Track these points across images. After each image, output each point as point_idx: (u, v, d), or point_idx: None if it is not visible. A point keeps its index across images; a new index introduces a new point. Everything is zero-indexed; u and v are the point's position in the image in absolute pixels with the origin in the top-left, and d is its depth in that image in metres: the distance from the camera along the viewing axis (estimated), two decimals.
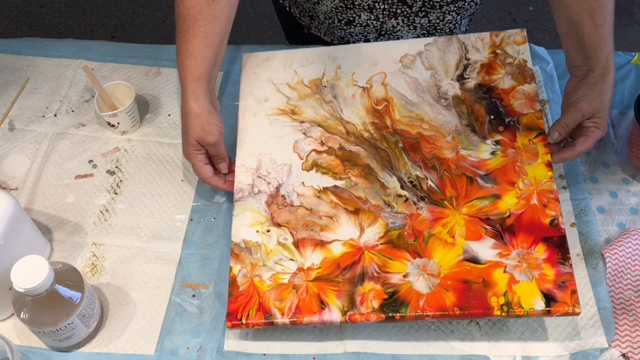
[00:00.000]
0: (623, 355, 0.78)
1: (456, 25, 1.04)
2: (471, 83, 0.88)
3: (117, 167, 0.94)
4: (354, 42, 1.08)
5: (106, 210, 0.90)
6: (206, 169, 0.83)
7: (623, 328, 0.79)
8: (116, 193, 0.91)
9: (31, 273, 0.68)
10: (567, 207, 0.89)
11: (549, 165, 0.80)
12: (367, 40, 1.06)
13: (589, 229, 0.87)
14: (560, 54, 1.06)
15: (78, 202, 0.90)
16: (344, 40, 1.09)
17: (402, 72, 0.90)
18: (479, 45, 0.90)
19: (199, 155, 0.82)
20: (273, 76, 0.91)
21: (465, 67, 0.89)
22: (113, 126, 0.95)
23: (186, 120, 0.81)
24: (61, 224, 0.88)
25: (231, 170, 0.86)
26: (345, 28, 1.04)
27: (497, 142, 0.83)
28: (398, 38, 1.04)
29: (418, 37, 1.03)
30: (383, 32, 1.04)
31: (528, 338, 0.79)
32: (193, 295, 0.82)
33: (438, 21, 1.01)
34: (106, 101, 0.95)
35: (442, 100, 0.87)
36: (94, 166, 0.94)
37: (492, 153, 0.82)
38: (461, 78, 0.88)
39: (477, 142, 0.83)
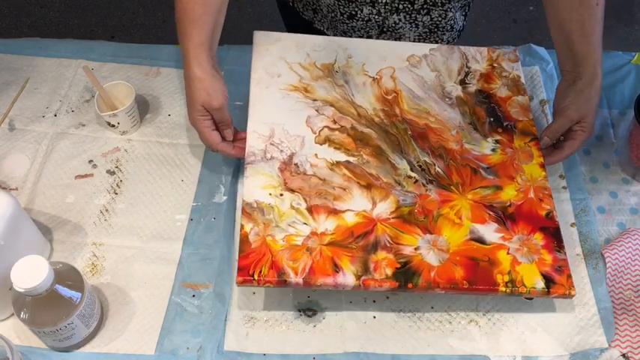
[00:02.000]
0: (623, 355, 0.78)
1: (455, 21, 1.04)
2: (472, 88, 0.94)
3: (117, 167, 0.94)
4: (356, 37, 1.08)
5: (106, 210, 0.90)
6: (214, 135, 0.84)
7: (623, 328, 0.79)
8: (116, 193, 0.91)
9: (31, 273, 0.68)
10: (567, 207, 0.89)
11: (543, 166, 0.86)
12: (369, 37, 1.07)
13: (589, 229, 0.87)
14: None
15: (78, 202, 0.90)
16: (346, 35, 1.09)
17: (410, 70, 0.95)
18: (478, 57, 0.97)
19: (206, 121, 0.83)
20: (286, 54, 0.94)
21: (467, 74, 0.95)
22: (113, 126, 0.95)
23: (191, 86, 0.81)
24: (61, 224, 0.88)
25: (238, 138, 0.87)
26: (347, 22, 1.04)
27: (496, 141, 0.88)
28: (400, 36, 1.04)
29: (420, 35, 1.04)
30: (385, 29, 1.04)
31: (528, 338, 0.79)
32: (193, 295, 0.82)
33: (440, 19, 1.01)
34: (106, 101, 0.95)
35: (447, 99, 0.92)
36: (94, 166, 0.94)
37: (493, 150, 0.88)
38: (463, 82, 0.94)
39: (479, 139, 0.88)
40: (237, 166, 0.93)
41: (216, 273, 0.83)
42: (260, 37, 0.96)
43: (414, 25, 1.02)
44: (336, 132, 0.87)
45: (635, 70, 1.05)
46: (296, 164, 0.83)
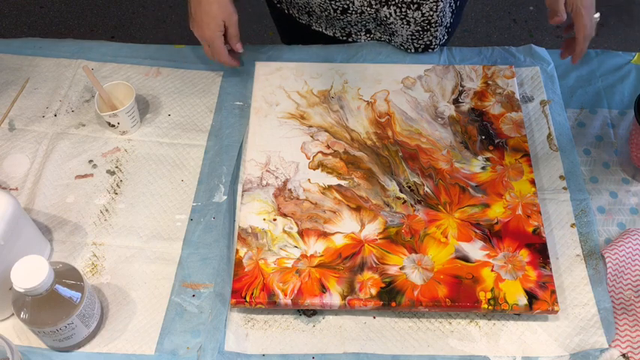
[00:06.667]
0: (623, 355, 0.78)
1: (445, 14, 1.04)
2: (465, 107, 0.96)
3: (117, 167, 0.94)
4: (355, 33, 1.09)
5: (106, 210, 0.90)
6: (225, 50, 0.96)
7: (623, 328, 0.79)
8: (116, 193, 0.91)
9: (31, 273, 0.68)
10: (567, 207, 0.89)
11: (532, 182, 0.88)
12: (368, 31, 1.08)
13: (589, 229, 0.87)
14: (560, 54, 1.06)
15: (78, 202, 0.90)
16: (345, 32, 1.09)
17: (404, 92, 0.98)
18: (473, 75, 1.00)
19: (222, 36, 0.95)
20: (285, 83, 0.99)
21: (460, 93, 0.98)
22: (113, 126, 0.95)
23: (210, 6, 0.92)
24: (61, 224, 0.88)
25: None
26: (341, 17, 1.04)
27: (487, 159, 0.91)
28: (393, 32, 1.04)
29: (413, 34, 1.04)
30: (379, 22, 1.04)
31: (528, 338, 0.79)
32: (193, 295, 0.82)
33: (431, 13, 1.01)
34: (106, 101, 0.95)
35: (439, 119, 0.95)
36: (94, 166, 0.94)
37: (483, 168, 0.90)
38: (456, 101, 0.97)
39: (470, 158, 0.91)
40: (237, 166, 0.93)
41: (216, 273, 0.83)
42: (261, 67, 1.00)
43: (405, 22, 1.02)
44: (329, 157, 0.91)
45: (635, 70, 1.05)
46: (290, 190, 0.87)
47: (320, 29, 1.11)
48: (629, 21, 2.25)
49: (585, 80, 1.04)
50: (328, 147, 0.91)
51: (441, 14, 1.02)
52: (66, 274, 0.73)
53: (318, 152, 0.91)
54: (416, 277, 0.80)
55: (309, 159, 0.90)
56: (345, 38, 1.10)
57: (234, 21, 0.94)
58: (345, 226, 0.84)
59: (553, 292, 0.79)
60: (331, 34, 1.11)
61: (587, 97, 1.02)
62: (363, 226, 0.84)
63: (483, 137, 0.93)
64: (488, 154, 0.91)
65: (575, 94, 1.02)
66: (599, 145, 0.97)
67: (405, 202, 0.86)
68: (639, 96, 0.89)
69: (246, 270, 0.80)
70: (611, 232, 0.88)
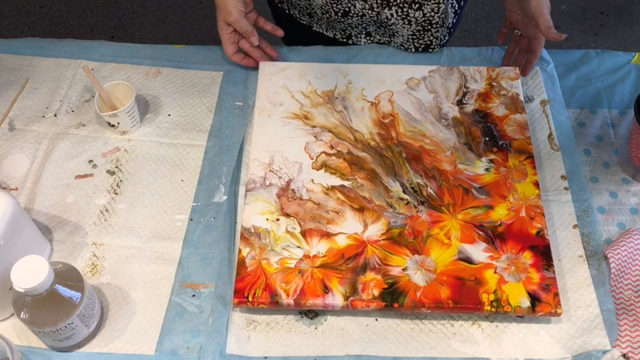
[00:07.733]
0: (624, 355, 0.78)
1: (447, 15, 1.04)
2: (469, 108, 0.96)
3: (117, 167, 0.94)
4: (355, 35, 1.09)
5: (106, 210, 0.89)
6: (230, 48, 1.01)
7: (623, 328, 0.79)
8: (116, 193, 0.91)
9: (31, 273, 0.68)
10: (570, 208, 0.89)
11: (536, 184, 0.88)
12: (368, 33, 1.08)
13: (592, 229, 0.87)
14: (560, 54, 1.06)
15: (78, 202, 0.90)
16: (345, 34, 1.09)
17: (408, 92, 0.98)
18: (477, 77, 0.99)
19: (227, 34, 1.00)
20: (289, 83, 0.98)
21: (464, 94, 0.97)
22: (113, 126, 0.95)
23: (216, 5, 0.98)
24: (61, 224, 0.88)
25: (261, 47, 1.02)
26: (342, 19, 1.04)
27: (491, 161, 0.90)
28: (394, 32, 1.05)
29: (413, 33, 1.04)
30: (379, 24, 1.04)
31: (530, 340, 0.79)
32: (193, 295, 0.82)
33: (432, 14, 1.01)
34: (106, 101, 0.95)
35: (443, 120, 0.95)
36: (94, 166, 0.94)
37: (486, 169, 0.89)
38: (460, 103, 0.97)
39: (473, 159, 0.90)
40: (238, 166, 0.93)
41: (216, 273, 0.83)
42: (265, 67, 1.00)
43: (406, 22, 1.02)
44: (333, 157, 0.91)
45: (635, 70, 1.05)
46: (293, 190, 0.87)
47: (320, 30, 1.11)
48: (629, 21, 2.25)
49: (585, 80, 1.04)
50: (332, 147, 0.91)
51: (443, 15, 1.02)
52: (66, 274, 0.73)
53: (322, 152, 0.91)
54: (418, 278, 0.79)
55: (312, 159, 0.90)
56: (345, 40, 1.11)
57: (231, 20, 0.96)
58: (348, 227, 0.84)
59: (556, 294, 0.78)
60: (331, 35, 1.11)
61: (587, 97, 1.02)
62: (366, 226, 0.84)
63: (487, 139, 0.92)
64: (492, 156, 0.90)
65: (575, 94, 1.02)
66: (599, 145, 0.97)
67: (408, 203, 0.86)
68: (639, 96, 0.89)
69: (248, 270, 0.80)
70: (611, 232, 0.88)
